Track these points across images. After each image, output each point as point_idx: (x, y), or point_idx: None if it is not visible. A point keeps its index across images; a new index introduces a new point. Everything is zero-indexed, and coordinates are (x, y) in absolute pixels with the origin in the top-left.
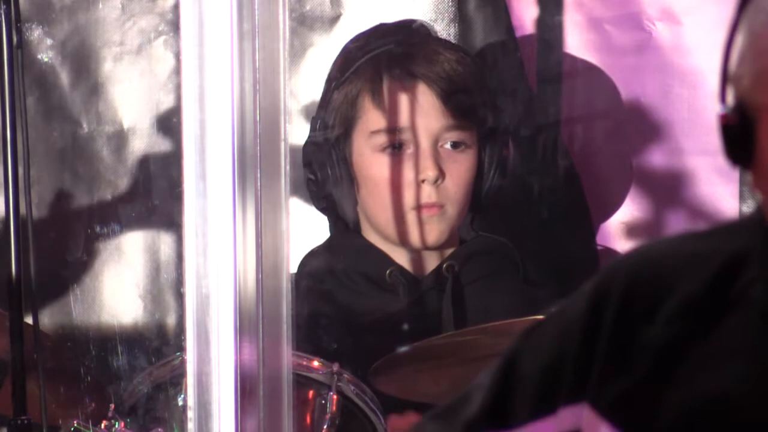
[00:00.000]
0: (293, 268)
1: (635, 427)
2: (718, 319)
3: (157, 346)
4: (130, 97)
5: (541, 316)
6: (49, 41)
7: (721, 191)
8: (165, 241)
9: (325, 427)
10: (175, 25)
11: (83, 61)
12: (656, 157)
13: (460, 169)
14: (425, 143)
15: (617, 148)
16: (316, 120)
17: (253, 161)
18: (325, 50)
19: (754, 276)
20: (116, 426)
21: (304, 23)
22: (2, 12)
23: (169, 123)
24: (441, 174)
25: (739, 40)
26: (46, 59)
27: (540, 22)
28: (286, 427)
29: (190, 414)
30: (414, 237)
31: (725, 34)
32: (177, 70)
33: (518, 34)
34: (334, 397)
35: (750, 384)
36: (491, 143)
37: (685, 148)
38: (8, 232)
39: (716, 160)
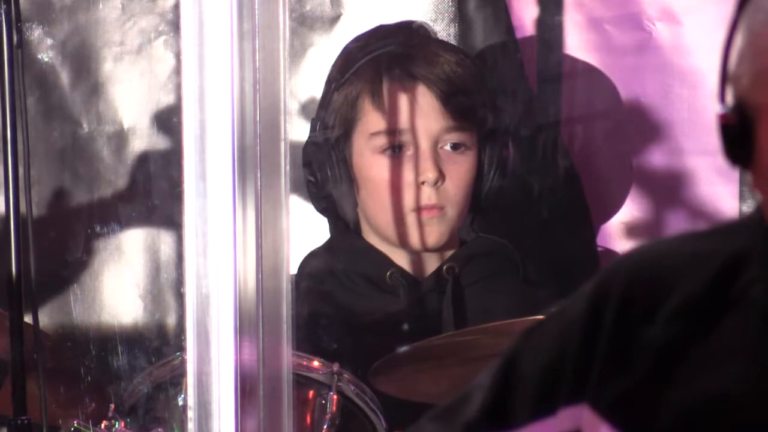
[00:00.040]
0: (294, 270)
1: (635, 427)
2: (718, 319)
3: (157, 346)
4: (131, 97)
5: (541, 317)
6: (49, 41)
7: (721, 191)
8: (165, 241)
9: (325, 427)
10: (175, 25)
11: (83, 61)
12: (656, 157)
13: (460, 170)
14: (425, 145)
15: (617, 148)
16: (316, 121)
17: (253, 161)
18: (325, 50)
19: (754, 276)
20: (116, 426)
21: (304, 23)
22: (2, 12)
23: (169, 123)
24: (441, 176)
25: (739, 40)
26: (46, 59)
27: (540, 22)
28: (286, 427)
29: (190, 414)
30: (414, 239)
31: (725, 33)
32: (177, 70)
33: (518, 34)
34: (334, 397)
35: (750, 384)
36: (491, 144)
37: (685, 148)
38: (8, 232)
39: (716, 160)
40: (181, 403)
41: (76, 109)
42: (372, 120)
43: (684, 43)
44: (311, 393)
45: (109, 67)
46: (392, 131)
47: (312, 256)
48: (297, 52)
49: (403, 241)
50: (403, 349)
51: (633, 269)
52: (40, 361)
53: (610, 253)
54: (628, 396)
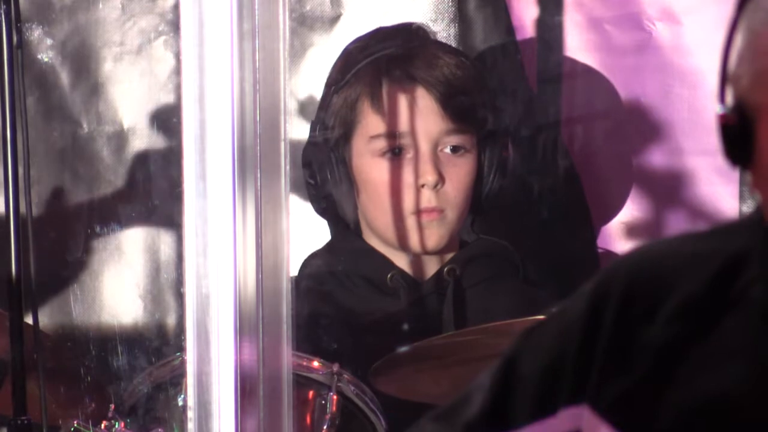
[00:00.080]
0: (294, 271)
1: (635, 427)
2: (718, 319)
3: (157, 346)
4: (130, 97)
5: (541, 317)
6: (49, 41)
7: (721, 191)
8: (165, 241)
9: (325, 427)
10: (175, 25)
11: (83, 61)
12: (656, 157)
13: (459, 173)
14: (425, 148)
15: (617, 149)
16: (315, 122)
17: (253, 161)
18: (325, 50)
19: (754, 276)
20: (116, 426)
21: (304, 23)
22: (2, 12)
23: (169, 123)
24: (441, 178)
25: (739, 40)
26: (46, 59)
27: (540, 22)
28: (286, 427)
29: (190, 414)
30: (414, 241)
31: (725, 33)
32: (177, 70)
33: (518, 34)
34: (334, 397)
35: (750, 384)
36: (491, 146)
37: (685, 148)
38: (8, 232)
39: (716, 160)
40: (181, 403)
41: (76, 109)
42: (372, 123)
43: (684, 43)
44: (311, 393)
45: (109, 67)
46: (392, 134)
47: (313, 256)
48: (297, 52)
49: (402, 244)
50: (403, 349)
51: (633, 269)
52: (40, 361)
53: (610, 255)
54: (628, 396)
